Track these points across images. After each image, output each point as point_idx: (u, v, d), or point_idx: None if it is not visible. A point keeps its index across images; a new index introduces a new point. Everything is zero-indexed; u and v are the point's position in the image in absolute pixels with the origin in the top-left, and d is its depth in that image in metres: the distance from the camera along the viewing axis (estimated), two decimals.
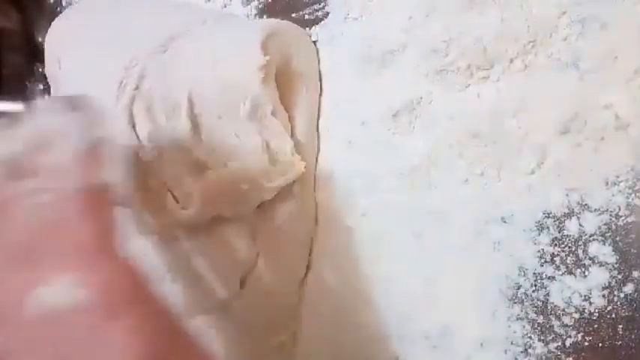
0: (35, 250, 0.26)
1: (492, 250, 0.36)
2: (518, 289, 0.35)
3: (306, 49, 0.41)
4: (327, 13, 0.40)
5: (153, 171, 0.39)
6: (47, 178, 0.27)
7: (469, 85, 0.36)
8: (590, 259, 0.33)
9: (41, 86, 0.54)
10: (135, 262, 0.27)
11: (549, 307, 0.34)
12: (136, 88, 0.40)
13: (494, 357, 0.36)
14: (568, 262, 0.34)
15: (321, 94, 0.41)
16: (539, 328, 0.34)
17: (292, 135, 0.39)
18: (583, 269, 0.33)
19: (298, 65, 0.40)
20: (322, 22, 0.41)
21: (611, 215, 0.32)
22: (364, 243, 0.39)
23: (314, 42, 0.41)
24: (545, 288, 0.34)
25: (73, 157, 0.27)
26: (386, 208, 0.38)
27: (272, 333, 0.42)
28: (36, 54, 0.55)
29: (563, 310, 0.34)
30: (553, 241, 0.34)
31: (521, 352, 0.35)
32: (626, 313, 0.32)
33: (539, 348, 0.34)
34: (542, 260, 0.34)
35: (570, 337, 0.34)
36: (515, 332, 0.35)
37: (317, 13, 0.41)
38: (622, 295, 0.32)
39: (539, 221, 0.34)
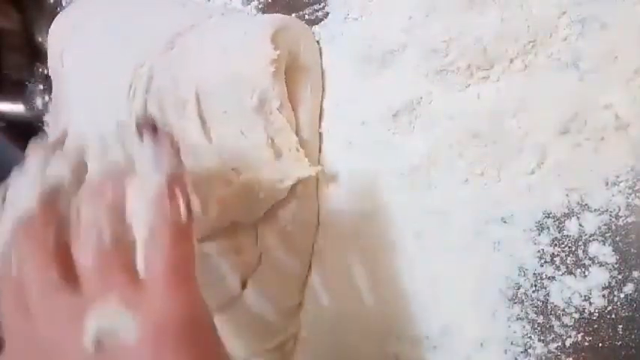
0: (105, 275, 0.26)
1: (492, 250, 0.36)
2: (518, 289, 0.35)
3: (312, 46, 0.41)
4: (327, 13, 0.40)
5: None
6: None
7: (469, 85, 0.36)
8: (590, 259, 0.33)
9: (41, 86, 0.54)
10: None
11: (549, 307, 0.34)
12: (147, 91, 0.39)
13: (494, 357, 0.36)
14: (568, 262, 0.34)
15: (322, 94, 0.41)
16: (539, 328, 0.34)
17: (296, 133, 0.39)
18: (583, 269, 0.33)
19: (305, 62, 0.39)
20: (322, 22, 0.41)
21: (611, 215, 0.32)
22: (364, 243, 0.39)
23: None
24: (545, 288, 0.34)
25: (157, 193, 0.27)
26: (386, 208, 0.38)
27: (272, 334, 0.42)
28: (36, 54, 0.55)
29: (563, 310, 0.34)
30: (553, 241, 0.34)
31: (521, 352, 0.35)
32: (626, 314, 0.32)
33: (539, 348, 0.34)
34: (542, 260, 0.34)
35: (570, 337, 0.34)
36: (515, 332, 0.35)
37: (317, 13, 0.41)
38: (622, 295, 0.32)
39: (539, 221, 0.34)
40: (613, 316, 0.32)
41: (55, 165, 0.29)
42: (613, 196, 0.32)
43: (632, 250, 0.32)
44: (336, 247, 0.41)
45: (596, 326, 0.33)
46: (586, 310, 0.33)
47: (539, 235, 0.34)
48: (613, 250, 0.32)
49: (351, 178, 0.39)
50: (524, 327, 0.35)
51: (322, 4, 0.40)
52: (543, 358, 0.34)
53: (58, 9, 0.53)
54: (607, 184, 0.33)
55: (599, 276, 0.33)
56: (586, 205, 0.33)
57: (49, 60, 0.47)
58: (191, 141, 0.38)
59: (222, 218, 0.38)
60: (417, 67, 0.37)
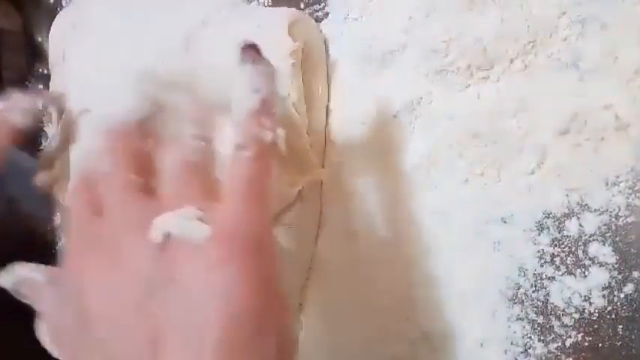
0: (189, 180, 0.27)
1: (492, 250, 0.36)
2: (518, 289, 0.35)
3: (321, 43, 0.40)
4: (327, 13, 0.40)
5: None
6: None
7: (469, 85, 0.36)
8: (590, 259, 0.33)
9: (41, 86, 0.54)
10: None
11: (549, 308, 0.34)
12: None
13: (494, 357, 0.36)
14: (568, 262, 0.34)
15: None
16: (539, 328, 0.34)
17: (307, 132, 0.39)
18: (583, 269, 0.33)
19: (316, 58, 0.39)
20: (322, 22, 0.41)
21: (611, 215, 0.32)
22: (364, 243, 0.39)
23: None
24: (545, 288, 0.34)
25: (249, 110, 0.27)
26: (386, 208, 0.38)
27: None
28: (36, 54, 0.55)
29: (563, 310, 0.34)
30: (553, 241, 0.34)
31: (521, 352, 0.35)
32: (626, 314, 0.32)
33: (539, 348, 0.34)
34: (542, 260, 0.34)
35: (570, 337, 0.34)
36: (515, 332, 0.35)
37: (317, 14, 0.41)
38: (622, 295, 0.32)
39: (539, 221, 0.34)
40: (613, 316, 0.33)
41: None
42: (613, 196, 0.32)
43: (632, 250, 0.32)
44: (337, 248, 0.41)
45: (596, 326, 0.33)
46: (586, 311, 0.33)
47: (539, 235, 0.34)
48: (613, 251, 0.32)
49: (350, 180, 0.39)
50: (524, 327, 0.35)
51: (322, 4, 0.40)
52: (543, 358, 0.34)
53: (58, 9, 0.53)
54: (607, 184, 0.33)
55: (599, 276, 0.33)
56: (586, 205, 0.33)
57: (49, 53, 0.47)
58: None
59: None
60: (417, 67, 0.37)
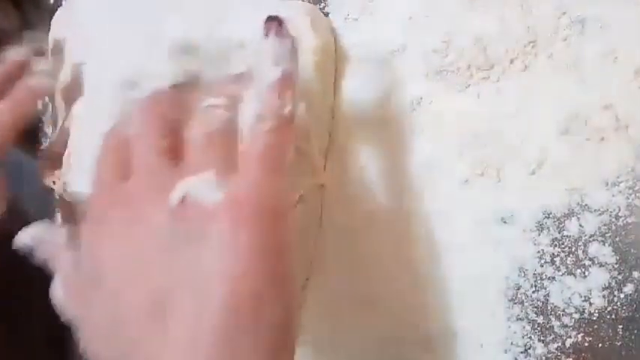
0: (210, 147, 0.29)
1: (492, 250, 0.36)
2: (518, 289, 0.35)
3: (333, 42, 0.39)
4: (327, 14, 0.40)
5: None
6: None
7: (469, 85, 0.36)
8: (590, 259, 0.33)
9: None
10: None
11: (549, 308, 0.34)
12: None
13: (494, 357, 0.36)
14: (568, 262, 0.34)
15: None
16: (539, 328, 0.34)
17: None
18: (583, 270, 0.33)
19: (330, 57, 0.38)
20: None
21: (611, 216, 0.32)
22: (364, 243, 0.39)
23: None
24: (545, 288, 0.34)
25: (270, 83, 0.28)
26: (386, 208, 0.38)
27: None
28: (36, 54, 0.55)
29: (563, 310, 0.34)
30: (553, 241, 0.34)
31: (521, 352, 0.35)
32: (626, 314, 0.32)
33: (539, 348, 0.34)
34: (542, 261, 0.34)
35: (570, 337, 0.34)
36: (515, 333, 0.35)
37: None
38: (622, 295, 0.32)
39: (539, 221, 0.34)
40: (613, 316, 0.33)
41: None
42: (613, 196, 0.32)
43: (632, 250, 0.32)
44: (336, 250, 0.41)
45: (596, 326, 0.33)
46: (586, 311, 0.33)
47: (539, 235, 0.34)
48: (613, 251, 0.32)
49: (351, 180, 0.39)
50: (524, 327, 0.35)
51: (322, 4, 0.40)
52: (543, 358, 0.34)
53: (58, 9, 0.53)
54: (607, 184, 0.33)
55: (599, 276, 0.33)
56: (586, 205, 0.33)
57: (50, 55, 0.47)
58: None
59: None
60: (416, 67, 0.37)
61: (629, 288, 0.32)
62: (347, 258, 0.40)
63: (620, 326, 0.32)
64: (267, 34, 0.29)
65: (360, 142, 0.39)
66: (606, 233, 0.33)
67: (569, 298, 0.33)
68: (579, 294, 0.33)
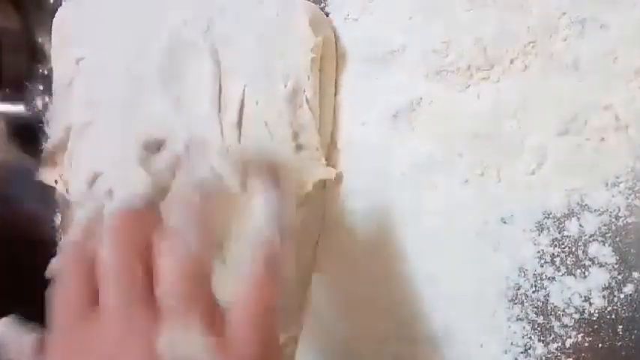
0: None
1: (492, 250, 0.36)
2: (518, 289, 0.35)
3: (334, 40, 0.39)
4: (327, 14, 0.40)
5: None
6: None
7: (469, 85, 0.36)
8: (590, 259, 0.33)
9: (41, 86, 0.54)
10: None
11: (549, 308, 0.34)
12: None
13: (494, 357, 0.36)
14: (568, 262, 0.34)
15: None
16: (539, 328, 0.34)
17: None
18: (583, 270, 0.33)
19: (330, 55, 0.38)
20: None
21: (611, 216, 0.32)
22: (364, 244, 0.39)
23: None
24: (545, 289, 0.34)
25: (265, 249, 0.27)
26: (386, 208, 0.38)
27: None
28: (36, 54, 0.55)
29: (564, 310, 0.34)
30: (553, 241, 0.34)
31: (521, 352, 0.35)
32: (626, 314, 0.32)
33: (539, 348, 0.34)
34: (542, 261, 0.34)
35: (570, 337, 0.34)
36: (515, 333, 0.35)
37: None
38: (622, 295, 0.32)
39: (539, 222, 0.34)
40: (613, 316, 0.33)
41: (159, 164, 0.30)
42: (613, 196, 0.32)
43: (632, 250, 0.32)
44: (337, 248, 0.41)
45: (596, 327, 0.33)
46: (586, 311, 0.33)
47: (539, 235, 0.34)
48: (613, 251, 0.32)
49: (351, 180, 0.39)
50: (524, 327, 0.35)
51: (322, 4, 0.40)
52: (543, 358, 0.34)
53: (58, 9, 0.53)
54: (607, 184, 0.33)
55: (599, 276, 0.33)
56: (586, 205, 0.33)
57: (52, 50, 0.47)
58: (221, 142, 0.37)
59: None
60: (417, 67, 0.37)
61: (629, 288, 0.32)
62: (347, 258, 0.40)
63: (620, 326, 0.32)
64: (262, 189, 0.28)
65: (358, 143, 0.39)
66: (606, 233, 0.33)
67: (569, 298, 0.34)
68: (579, 294, 0.33)
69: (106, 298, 0.26)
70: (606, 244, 0.33)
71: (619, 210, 0.32)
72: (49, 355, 0.27)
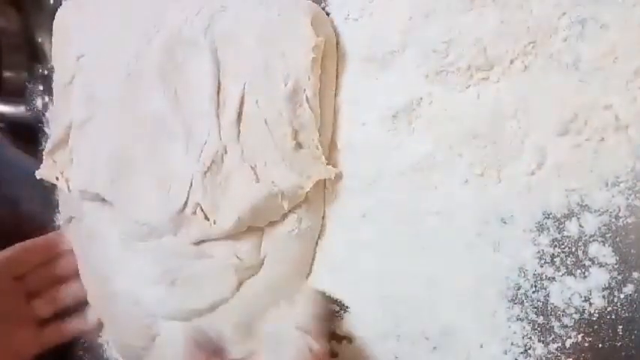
0: None
1: (492, 250, 0.36)
2: (519, 289, 0.35)
3: (334, 41, 0.39)
4: (328, 14, 0.40)
5: None
6: None
7: (469, 85, 0.36)
8: (590, 259, 0.33)
9: (41, 87, 0.54)
10: None
11: (549, 308, 0.34)
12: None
13: (494, 357, 0.36)
14: (568, 262, 0.34)
15: None
16: (539, 328, 0.34)
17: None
18: (583, 270, 0.33)
19: (331, 55, 0.38)
20: None
21: (610, 216, 0.32)
22: (364, 243, 0.39)
23: None
24: (545, 289, 0.34)
25: None
26: (386, 208, 0.38)
27: None
28: (36, 54, 0.55)
29: (563, 310, 0.34)
30: (553, 241, 0.34)
31: (521, 352, 0.35)
32: (626, 314, 0.32)
33: (539, 349, 0.34)
34: (542, 261, 0.34)
35: (570, 337, 0.34)
36: (515, 333, 0.35)
37: None
38: (622, 295, 0.32)
39: (539, 222, 0.34)
40: (613, 316, 0.33)
41: None
42: (613, 196, 0.32)
43: (632, 250, 0.32)
44: (336, 248, 0.41)
45: (596, 327, 0.33)
46: (586, 311, 0.33)
47: (539, 235, 0.34)
48: (613, 251, 0.32)
49: (351, 179, 0.39)
50: (524, 327, 0.35)
51: (322, 5, 0.40)
52: (543, 358, 0.34)
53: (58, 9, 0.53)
54: (607, 184, 0.33)
55: (599, 277, 0.33)
56: (586, 205, 0.33)
57: (52, 49, 0.46)
58: (220, 139, 0.37)
59: (239, 225, 0.37)
60: (417, 67, 0.37)
61: (629, 288, 0.32)
62: (347, 258, 0.40)
63: (620, 326, 0.32)
64: None
65: (359, 143, 0.39)
66: (606, 233, 0.33)
67: (569, 298, 0.33)
68: (579, 294, 0.33)
69: None
70: (606, 244, 0.33)
71: (619, 210, 0.32)
72: None
